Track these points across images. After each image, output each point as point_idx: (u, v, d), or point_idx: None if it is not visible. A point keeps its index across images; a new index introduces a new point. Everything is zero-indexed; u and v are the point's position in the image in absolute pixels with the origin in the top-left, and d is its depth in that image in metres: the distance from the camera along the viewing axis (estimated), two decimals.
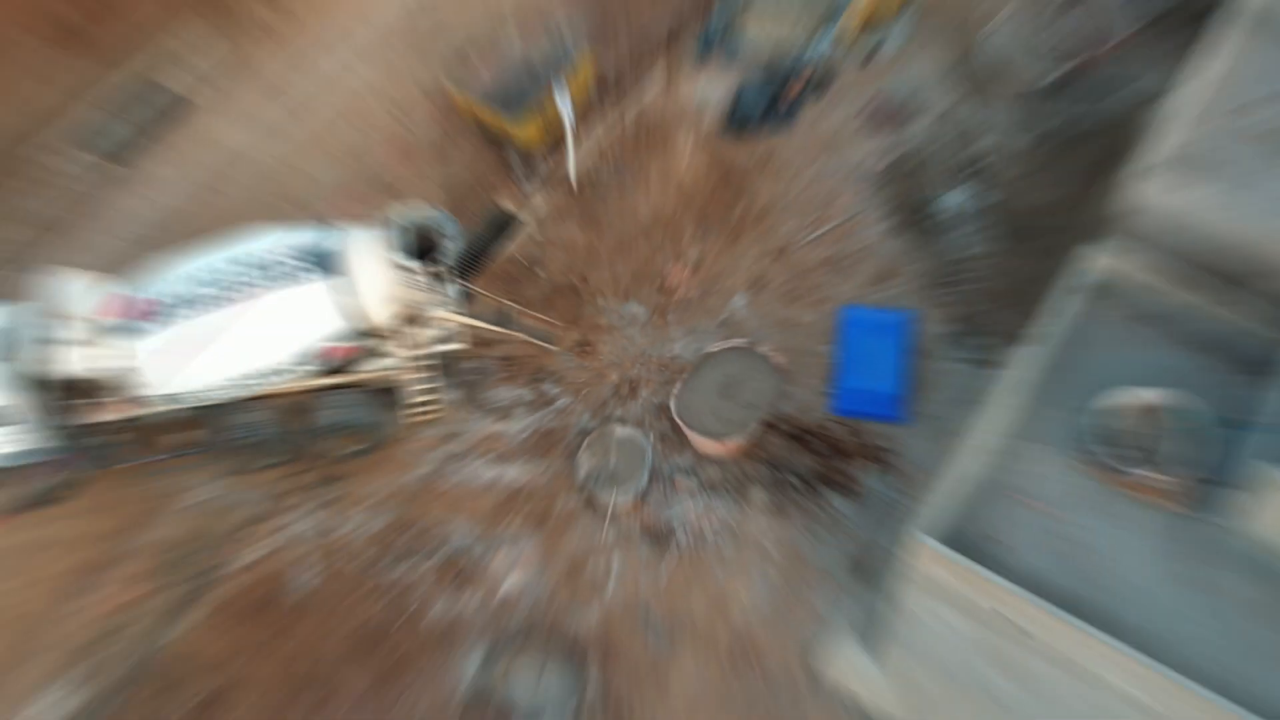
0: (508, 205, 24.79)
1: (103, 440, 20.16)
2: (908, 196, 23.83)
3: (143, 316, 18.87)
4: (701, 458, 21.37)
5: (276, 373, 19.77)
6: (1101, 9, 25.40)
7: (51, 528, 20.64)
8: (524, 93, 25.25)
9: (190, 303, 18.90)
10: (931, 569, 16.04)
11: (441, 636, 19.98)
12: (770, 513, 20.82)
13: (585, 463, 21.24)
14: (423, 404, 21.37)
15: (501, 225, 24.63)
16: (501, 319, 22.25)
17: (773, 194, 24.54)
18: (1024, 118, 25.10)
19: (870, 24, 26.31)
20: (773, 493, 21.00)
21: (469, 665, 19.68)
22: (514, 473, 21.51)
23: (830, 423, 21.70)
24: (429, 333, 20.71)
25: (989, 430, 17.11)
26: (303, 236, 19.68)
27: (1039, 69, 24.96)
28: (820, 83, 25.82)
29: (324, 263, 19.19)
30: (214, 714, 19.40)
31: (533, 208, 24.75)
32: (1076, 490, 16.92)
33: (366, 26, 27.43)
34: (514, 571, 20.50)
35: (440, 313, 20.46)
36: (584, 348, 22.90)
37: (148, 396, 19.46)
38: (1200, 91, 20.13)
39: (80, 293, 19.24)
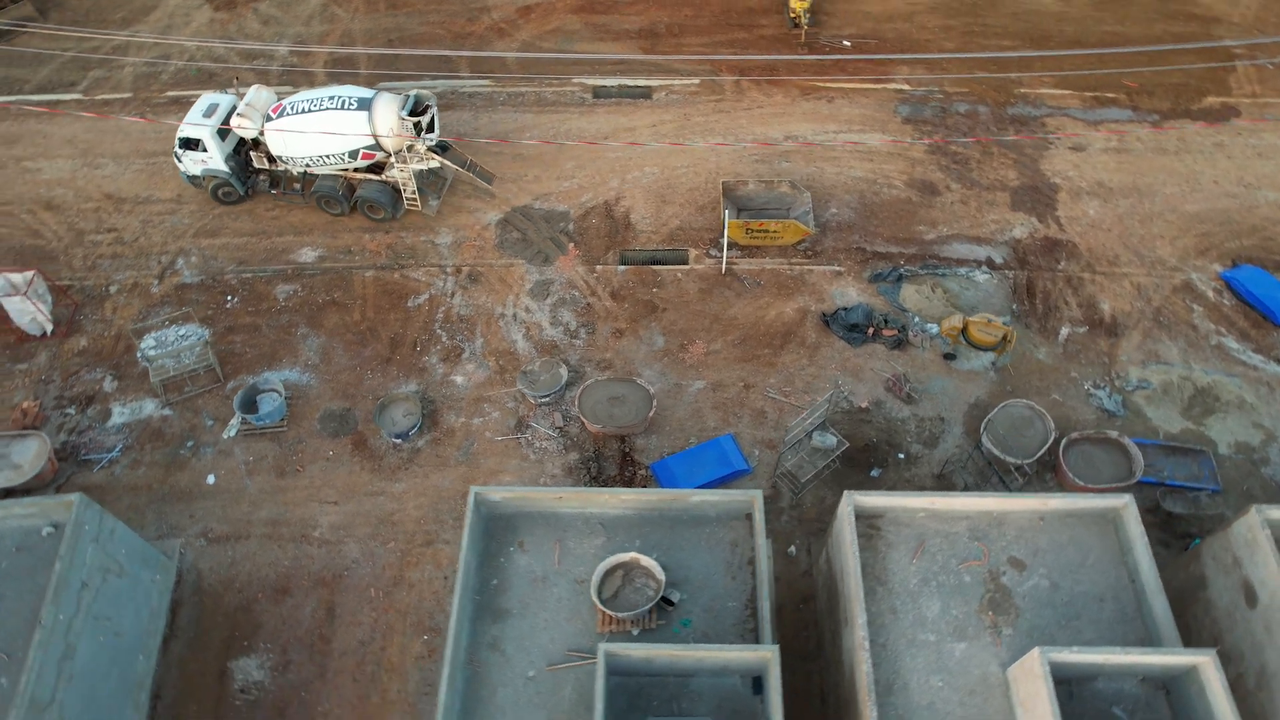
0: (686, 251, 26.29)
1: (254, 177, 26.88)
2: (824, 421, 21.84)
3: (275, 112, 24.72)
4: (578, 418, 22.47)
5: (339, 158, 25.07)
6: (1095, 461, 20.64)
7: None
8: (743, 210, 26.42)
9: (294, 108, 24.48)
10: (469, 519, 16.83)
11: (414, 370, 23.68)
12: (566, 468, 21.74)
13: (532, 365, 23.29)
14: (410, 200, 26.17)
15: (681, 259, 26.32)
16: (461, 161, 25.99)
17: (793, 361, 23.60)
18: (960, 459, 21.58)
19: (965, 338, 23.44)
20: (580, 460, 21.78)
21: (401, 389, 23.23)
22: (521, 345, 24.14)
23: (645, 466, 21.70)
24: (417, 162, 25.24)
25: (590, 504, 17.10)
26: (359, 91, 24.77)
27: (1016, 452, 21.03)
28: (898, 342, 23.77)
29: (365, 105, 24.02)
30: (332, 311, 24.89)
31: (699, 263, 26.01)
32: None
33: (731, 140, 29.31)
34: (464, 377, 23.56)
35: (420, 148, 24.61)
36: (618, 333, 24.45)
37: (275, 157, 25.65)
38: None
39: (265, 95, 25.73)
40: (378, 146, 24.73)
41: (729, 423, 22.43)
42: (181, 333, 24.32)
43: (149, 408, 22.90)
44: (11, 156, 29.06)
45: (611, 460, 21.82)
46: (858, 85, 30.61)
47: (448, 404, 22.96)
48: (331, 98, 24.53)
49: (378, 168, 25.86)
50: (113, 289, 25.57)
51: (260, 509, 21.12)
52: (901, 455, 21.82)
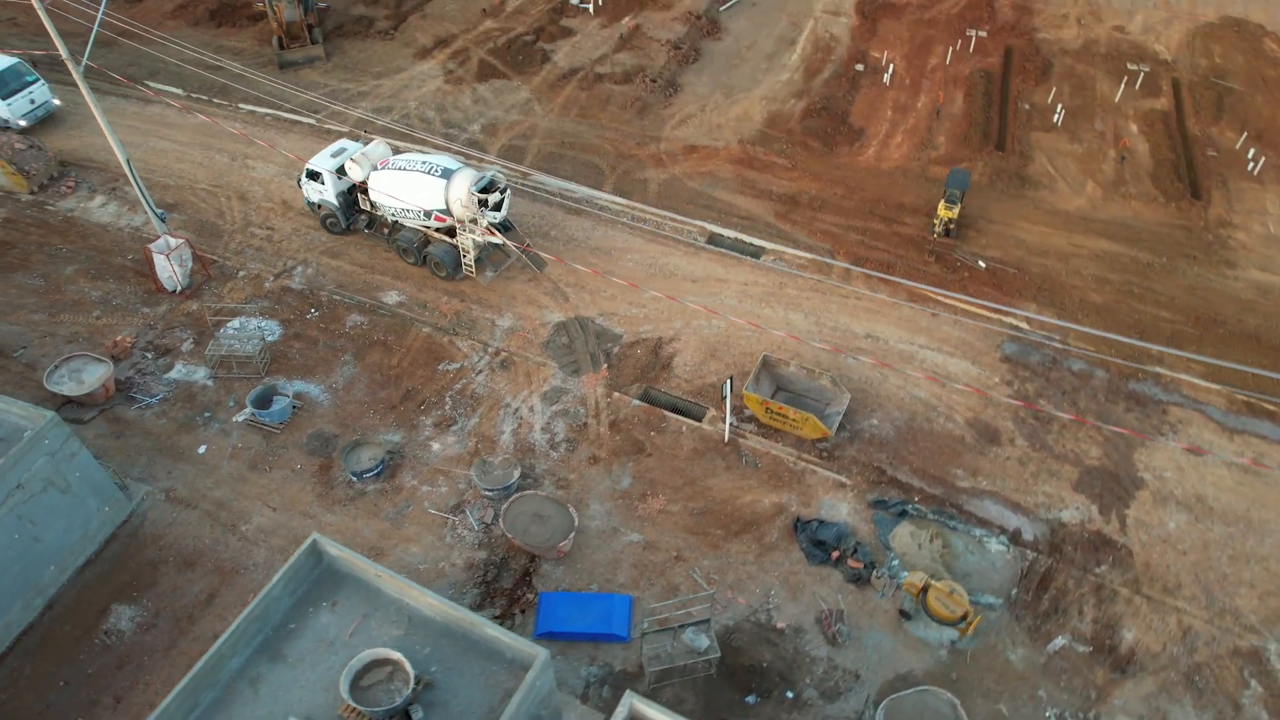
0: (706, 410, 25.90)
1: (356, 216, 31.09)
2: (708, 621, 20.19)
3: (381, 165, 28.33)
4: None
5: (417, 215, 28.41)
6: None
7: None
8: (781, 391, 25.72)
9: (393, 166, 28.03)
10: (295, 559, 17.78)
11: (407, 424, 25.45)
12: (467, 563, 22.01)
13: (494, 457, 24.01)
14: (469, 266, 29.38)
15: (697, 415, 26.03)
16: (519, 243, 29.03)
17: (739, 552, 22.32)
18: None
19: (923, 602, 20.79)
20: (484, 562, 21.99)
21: (382, 436, 24.99)
22: (505, 437, 25.03)
23: (533, 589, 21.37)
24: (477, 234, 28.14)
25: (405, 594, 17.31)
26: (448, 162, 27.79)
27: None
28: (858, 577, 21.66)
29: (446, 175, 27.12)
30: (378, 350, 27.46)
31: (711, 424, 25.54)
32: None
33: (811, 322, 28.59)
34: (440, 446, 24.84)
35: (482, 221, 27.42)
36: (594, 460, 24.53)
37: (375, 203, 29.49)
38: None
39: (381, 149, 29.39)
40: (448, 212, 27.76)
41: (639, 585, 21.58)
42: (260, 324, 28.21)
43: (199, 374, 26.70)
44: (243, 152, 35.70)
45: (511, 574, 21.83)
46: (970, 308, 28.75)
47: (412, 464, 24.37)
48: (424, 162, 27.89)
49: (451, 231, 28.80)
50: (240, 274, 30.32)
51: (218, 489, 23.66)
52: (790, 694, 19.63)
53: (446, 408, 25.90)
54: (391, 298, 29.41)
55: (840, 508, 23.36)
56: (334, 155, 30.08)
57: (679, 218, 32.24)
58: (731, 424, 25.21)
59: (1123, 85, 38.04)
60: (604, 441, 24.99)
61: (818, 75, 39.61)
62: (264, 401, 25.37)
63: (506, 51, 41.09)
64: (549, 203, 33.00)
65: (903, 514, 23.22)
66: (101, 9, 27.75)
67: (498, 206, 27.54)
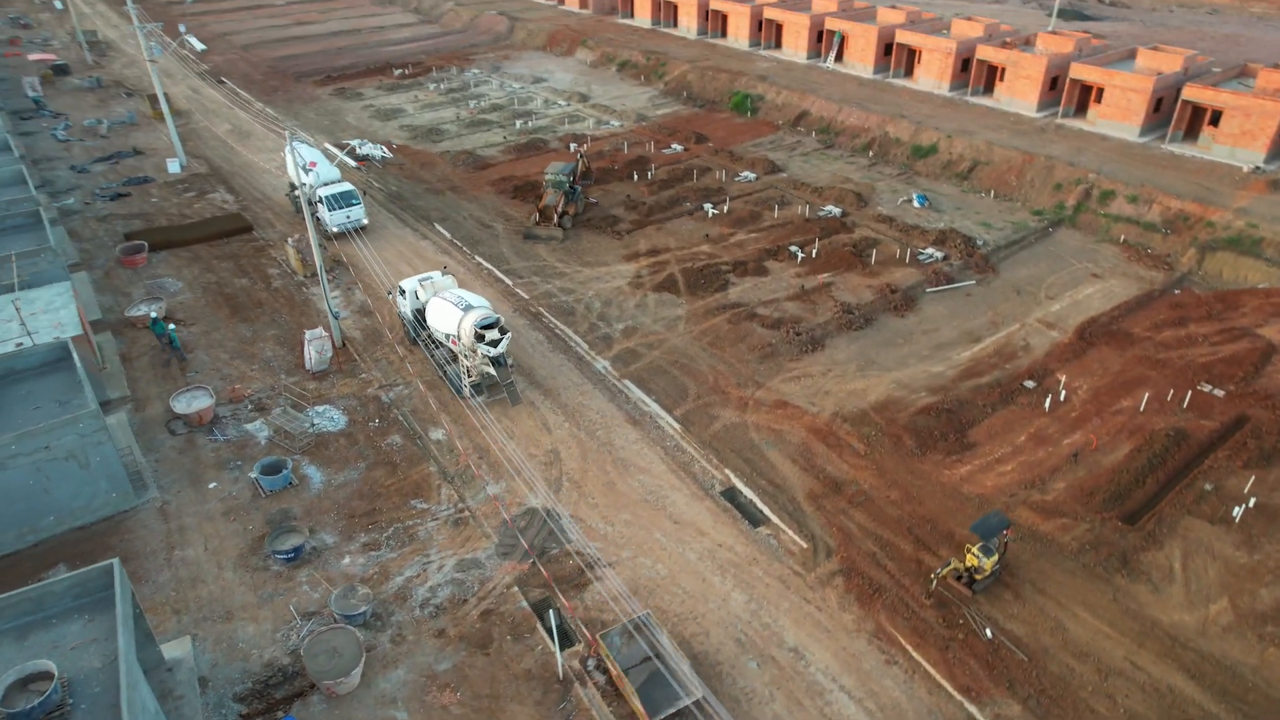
0: (578, 642, 24.90)
1: (416, 334, 35.74)
2: None
3: (439, 294, 32.85)
4: None
5: (445, 336, 33.30)
6: None
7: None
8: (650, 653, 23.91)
9: (442, 296, 33.20)
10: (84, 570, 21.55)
11: (347, 533, 28.58)
12: (268, 662, 23.83)
13: (359, 588, 25.72)
14: (470, 388, 33.78)
15: (567, 643, 25.21)
16: (506, 378, 32.75)
17: None
18: None
19: None
20: (276, 669, 23.68)
21: (318, 532, 28.38)
22: (399, 579, 26.75)
23: (288, 710, 22.33)
24: (475, 360, 32.26)
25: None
26: (475, 300, 32.70)
27: None
28: None
29: (465, 310, 31.77)
30: (385, 469, 31.46)
31: (570, 656, 24.56)
32: None
33: (748, 611, 25.75)
34: (350, 562, 27.41)
35: (480, 353, 31.47)
36: (439, 633, 24.94)
37: (428, 322, 34.23)
38: None
39: (446, 282, 34.84)
40: (459, 338, 32.46)
41: None
42: (331, 415, 34.17)
43: (264, 433, 33.12)
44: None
45: (288, 689, 23.23)
46: (936, 675, 23.78)
47: (316, 565, 27.32)
48: (459, 298, 33.45)
49: (461, 353, 33.80)
50: (360, 375, 37.01)
51: (190, 518, 29.01)
52: None
53: (384, 535, 28.64)
54: (436, 434, 33.43)
55: None
56: (420, 280, 36.67)
57: (713, 461, 31.87)
58: (583, 661, 24.04)
59: None
60: (464, 623, 25.46)
61: (974, 378, 36.38)
62: (272, 469, 30.65)
63: (698, 274, 44.62)
64: (620, 406, 34.92)
65: None
66: (352, 160, 37.53)
67: (493, 344, 32.10)
